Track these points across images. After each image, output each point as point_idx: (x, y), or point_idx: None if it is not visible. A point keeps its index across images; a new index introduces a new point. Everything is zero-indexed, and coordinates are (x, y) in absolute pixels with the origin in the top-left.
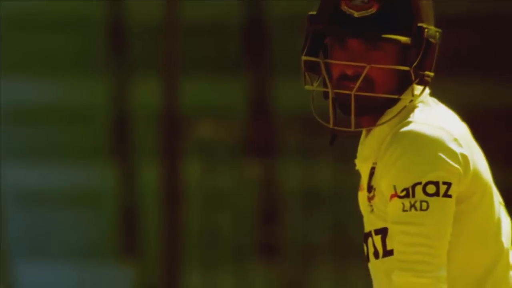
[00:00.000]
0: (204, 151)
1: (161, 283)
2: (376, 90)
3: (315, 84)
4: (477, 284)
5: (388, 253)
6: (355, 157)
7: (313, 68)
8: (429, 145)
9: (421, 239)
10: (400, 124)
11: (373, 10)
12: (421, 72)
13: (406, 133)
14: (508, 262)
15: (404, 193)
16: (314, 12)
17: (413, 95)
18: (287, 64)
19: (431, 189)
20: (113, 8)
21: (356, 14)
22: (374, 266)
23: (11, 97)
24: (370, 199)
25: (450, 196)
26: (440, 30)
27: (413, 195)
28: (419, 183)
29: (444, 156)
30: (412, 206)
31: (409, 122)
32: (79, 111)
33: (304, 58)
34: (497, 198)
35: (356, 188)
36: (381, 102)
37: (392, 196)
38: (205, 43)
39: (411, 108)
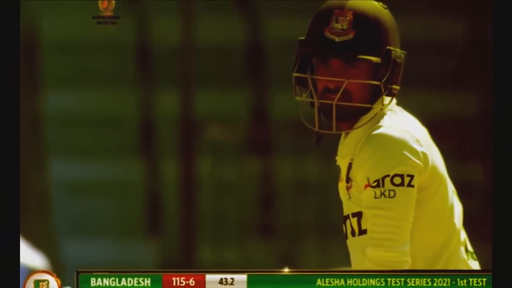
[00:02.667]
0: (213, 150)
1: (179, 256)
2: (353, 101)
3: (304, 96)
4: (434, 257)
5: (362, 232)
6: (336, 154)
7: (302, 82)
8: (395, 145)
9: (389, 221)
10: (372, 128)
11: (350, 36)
12: (389, 86)
13: (377, 135)
14: (459, 239)
15: (375, 183)
16: (303, 37)
17: (383, 104)
18: (281, 79)
19: (397, 180)
20: (140, 33)
21: (337, 39)
22: (351, 243)
23: (58, 105)
24: (348, 188)
25: (413, 186)
26: (404, 52)
27: (383, 185)
28: (388, 175)
29: (408, 154)
30: (382, 194)
31: (379, 126)
32: (113, 117)
33: (294, 74)
34: (451, 188)
35: (337, 179)
36: (356, 110)
37: (366, 186)
38: (214, 62)
39: (381, 115)
